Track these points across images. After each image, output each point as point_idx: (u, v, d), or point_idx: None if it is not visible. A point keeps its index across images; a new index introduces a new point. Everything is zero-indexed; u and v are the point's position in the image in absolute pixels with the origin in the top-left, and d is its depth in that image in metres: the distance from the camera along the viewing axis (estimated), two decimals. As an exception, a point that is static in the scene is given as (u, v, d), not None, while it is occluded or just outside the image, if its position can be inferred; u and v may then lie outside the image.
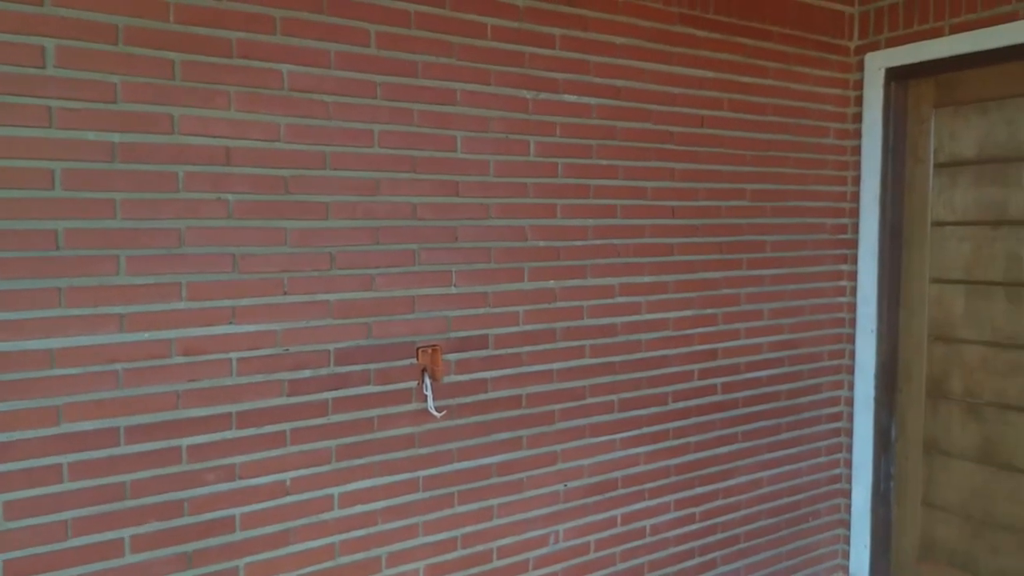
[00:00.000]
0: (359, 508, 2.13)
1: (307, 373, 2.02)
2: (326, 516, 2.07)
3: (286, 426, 2.00)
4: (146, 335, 1.82)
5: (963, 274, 2.88)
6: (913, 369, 3.05)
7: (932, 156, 2.94)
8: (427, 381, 2.21)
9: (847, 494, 3.21)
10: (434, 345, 2.22)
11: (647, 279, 2.63)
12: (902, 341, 3.08)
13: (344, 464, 2.09)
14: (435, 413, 2.22)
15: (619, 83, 2.51)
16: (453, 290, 2.25)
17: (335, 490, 2.08)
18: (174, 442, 1.87)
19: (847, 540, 3.22)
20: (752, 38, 2.80)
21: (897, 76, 2.96)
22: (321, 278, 2.03)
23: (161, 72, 1.80)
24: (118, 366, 1.79)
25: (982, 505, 2.87)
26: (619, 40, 2.49)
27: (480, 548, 2.34)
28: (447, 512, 2.29)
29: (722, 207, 2.78)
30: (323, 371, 2.04)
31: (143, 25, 1.77)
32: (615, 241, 2.55)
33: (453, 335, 2.26)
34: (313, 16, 1.97)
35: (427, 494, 2.24)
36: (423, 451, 2.23)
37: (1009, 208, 2.73)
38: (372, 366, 2.13)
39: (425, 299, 2.20)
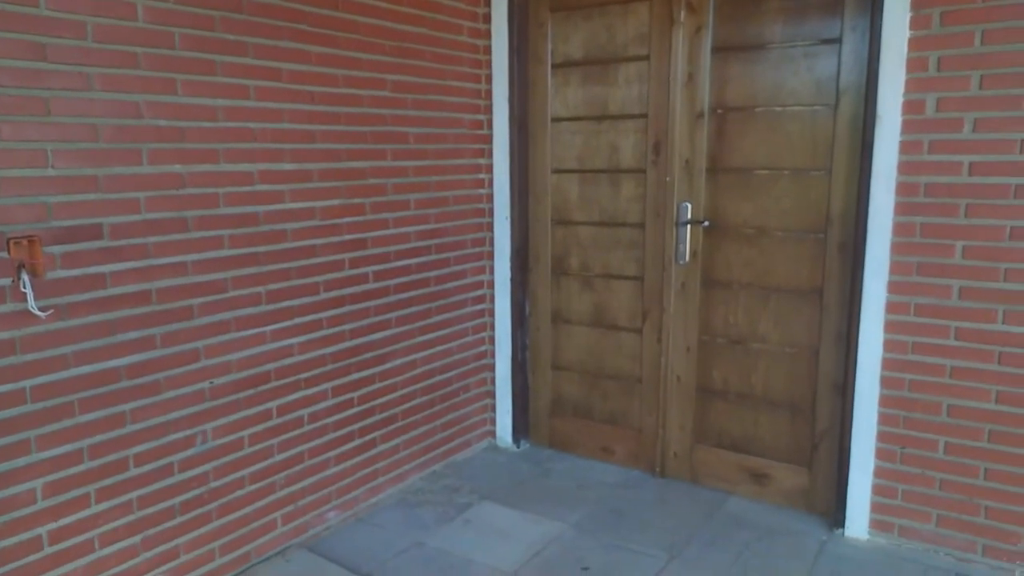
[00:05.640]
0: (-58, 429, 1.81)
1: None
2: None
3: None
4: None
5: (576, 164, 3.29)
6: (541, 251, 3.45)
7: (550, 57, 3.27)
8: (25, 277, 1.91)
9: (492, 367, 3.57)
10: (31, 236, 1.92)
11: (289, 166, 2.56)
12: (531, 226, 3.45)
13: (-87, 378, 1.75)
14: (39, 313, 1.94)
15: (243, -48, 2.33)
16: (51, 172, 1.96)
17: (-98, 409, 1.73)
18: None
19: (493, 408, 3.60)
20: (384, -76, 2.79)
21: (519, -21, 3.20)
22: None
23: None
24: None
25: (594, 361, 3.40)
26: (239, -97, 2.31)
27: (113, 457, 2.15)
28: (67, 423, 2.05)
29: (363, 96, 2.79)
30: None
31: None
32: (251, 124, 2.42)
33: (56, 224, 1.98)
34: None
35: (38, 405, 1.98)
36: (28, 357, 1.95)
37: (609, 105, 3.17)
38: (-57, 261, 1.78)
39: (13, 182, 1.88)
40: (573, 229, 3.35)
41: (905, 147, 2.51)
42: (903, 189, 2.53)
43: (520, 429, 3.59)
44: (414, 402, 3.20)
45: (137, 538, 2.24)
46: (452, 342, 3.37)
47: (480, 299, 3.50)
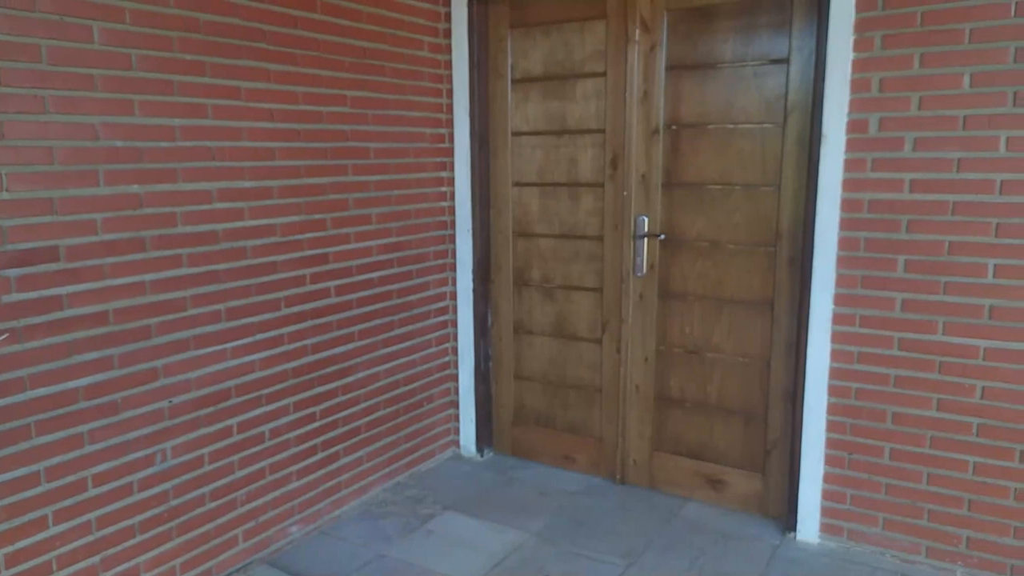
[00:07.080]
0: None
1: None
2: None
3: None
4: None
5: (537, 177, 3.35)
6: (502, 262, 3.49)
7: (510, 72, 3.32)
8: (-21, 301, 1.91)
9: (455, 378, 3.61)
10: (-16, 260, 1.92)
11: (248, 184, 2.57)
12: (493, 239, 3.50)
13: None
14: (-7, 337, 1.94)
15: (200, -28, 2.34)
16: (5, 195, 1.95)
17: None
18: None
19: (457, 418, 3.64)
20: (343, -58, 2.81)
21: (479, -4, 3.25)
22: None
23: None
24: None
25: (556, 371, 3.46)
26: (196, -76, 2.32)
27: (71, 478, 2.15)
28: (24, 445, 2.04)
29: (323, 112, 2.81)
30: None
31: None
32: (209, 143, 2.43)
33: (11, 247, 1.98)
34: None
35: (-7, 429, 1.98)
36: (-18, 382, 1.95)
37: (568, 120, 3.23)
38: None
39: (-35, 206, 1.88)
40: (534, 241, 3.41)
41: (849, 165, 2.60)
42: (847, 205, 2.62)
43: (484, 438, 3.63)
44: (377, 414, 3.22)
45: (96, 559, 2.24)
46: (415, 353, 3.40)
47: (443, 311, 3.53)
